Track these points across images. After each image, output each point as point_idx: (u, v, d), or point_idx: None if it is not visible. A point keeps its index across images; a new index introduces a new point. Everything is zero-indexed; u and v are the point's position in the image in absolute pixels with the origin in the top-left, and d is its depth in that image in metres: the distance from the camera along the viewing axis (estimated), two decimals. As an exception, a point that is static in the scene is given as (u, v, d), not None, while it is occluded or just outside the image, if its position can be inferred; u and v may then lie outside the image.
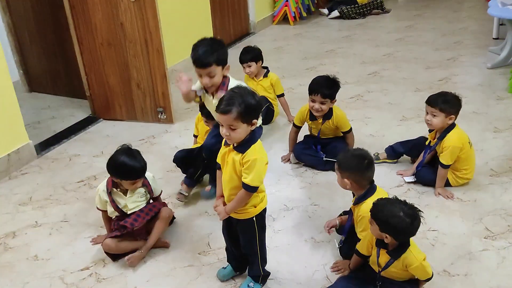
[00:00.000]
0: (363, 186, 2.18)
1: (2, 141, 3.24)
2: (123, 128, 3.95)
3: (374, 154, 3.21)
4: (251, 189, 1.87)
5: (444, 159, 2.74)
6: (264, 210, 2.02)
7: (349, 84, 4.61)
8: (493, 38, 5.67)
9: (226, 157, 1.93)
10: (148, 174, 2.45)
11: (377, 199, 2.01)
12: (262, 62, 3.79)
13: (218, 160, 1.99)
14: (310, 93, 2.99)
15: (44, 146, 3.66)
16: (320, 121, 3.07)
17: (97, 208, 2.49)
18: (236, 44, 6.22)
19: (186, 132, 3.78)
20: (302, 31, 6.79)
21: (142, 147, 3.58)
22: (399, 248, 1.93)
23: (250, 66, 3.70)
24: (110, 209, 2.41)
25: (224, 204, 2.00)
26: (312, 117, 3.09)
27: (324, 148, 3.15)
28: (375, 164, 2.23)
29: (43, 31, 4.46)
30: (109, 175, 2.40)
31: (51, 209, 2.89)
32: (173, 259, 2.42)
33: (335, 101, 3.03)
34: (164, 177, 3.15)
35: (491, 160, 3.13)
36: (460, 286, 2.15)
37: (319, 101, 2.94)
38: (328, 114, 3.04)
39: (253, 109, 1.82)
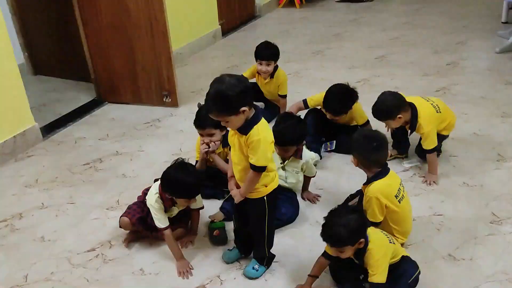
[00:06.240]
0: (368, 167, 2.17)
1: (8, 123, 3.24)
2: (128, 111, 3.94)
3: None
4: (259, 169, 1.89)
5: (426, 145, 2.73)
6: (275, 190, 2.01)
7: (355, 68, 4.58)
8: (502, 22, 5.59)
9: (233, 139, 1.93)
10: None
11: None
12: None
13: (229, 140, 2.00)
14: None
15: (49, 128, 3.66)
16: None
17: (162, 229, 2.23)
18: (241, 28, 6.17)
19: (191, 116, 3.71)
20: (308, 14, 6.71)
21: (147, 131, 3.58)
22: (360, 251, 1.89)
23: (269, 65, 3.29)
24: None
25: (237, 185, 2.01)
26: None
27: (333, 137, 3.16)
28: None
29: (48, 13, 4.43)
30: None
31: (57, 191, 2.90)
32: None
33: None
34: (170, 160, 3.12)
35: (498, 145, 3.10)
36: (465, 270, 2.15)
37: None
38: None
39: (230, 102, 1.76)
